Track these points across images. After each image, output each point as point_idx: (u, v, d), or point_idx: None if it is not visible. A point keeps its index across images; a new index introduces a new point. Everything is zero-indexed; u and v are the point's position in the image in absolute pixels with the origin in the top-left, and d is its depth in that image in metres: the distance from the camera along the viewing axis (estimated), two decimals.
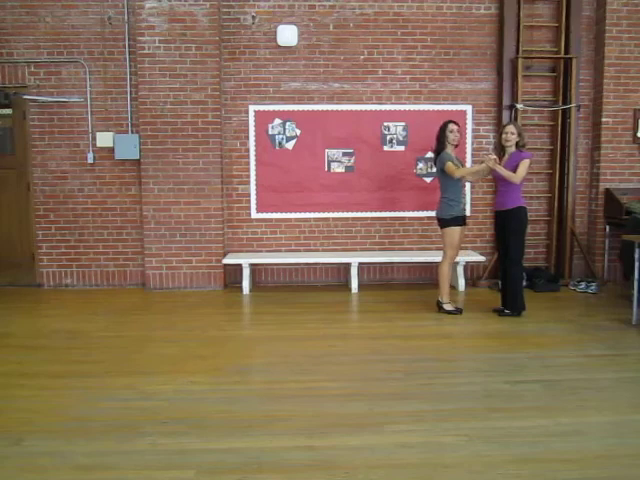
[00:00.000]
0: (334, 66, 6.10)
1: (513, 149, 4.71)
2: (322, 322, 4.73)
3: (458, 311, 4.94)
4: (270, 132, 6.14)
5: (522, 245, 4.76)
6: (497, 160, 4.62)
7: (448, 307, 4.95)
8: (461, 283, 5.93)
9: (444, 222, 4.85)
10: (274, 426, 2.77)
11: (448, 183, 4.81)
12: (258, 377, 3.58)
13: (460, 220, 4.84)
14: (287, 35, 5.96)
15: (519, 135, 4.69)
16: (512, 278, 4.77)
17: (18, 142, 6.11)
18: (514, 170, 4.60)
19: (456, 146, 4.93)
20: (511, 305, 4.82)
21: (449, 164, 4.71)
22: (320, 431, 2.71)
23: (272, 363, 3.75)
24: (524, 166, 4.60)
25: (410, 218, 6.32)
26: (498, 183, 4.84)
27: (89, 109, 6.02)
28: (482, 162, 4.75)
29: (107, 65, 6.02)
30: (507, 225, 4.72)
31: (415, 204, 6.28)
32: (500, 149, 4.84)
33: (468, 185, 6.25)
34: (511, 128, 4.71)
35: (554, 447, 2.54)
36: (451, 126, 4.84)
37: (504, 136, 4.72)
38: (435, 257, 6.04)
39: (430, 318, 4.88)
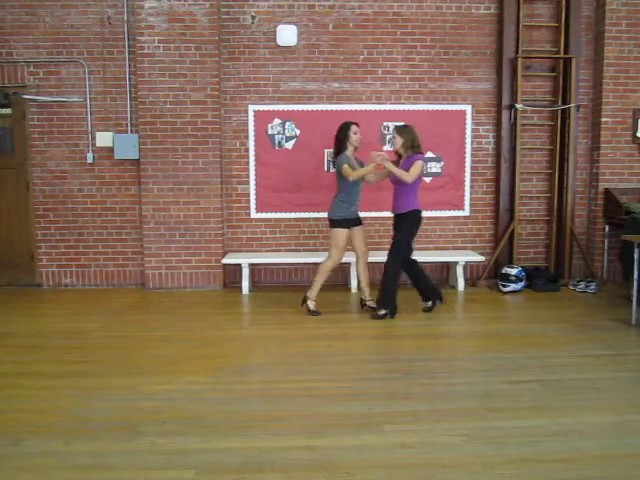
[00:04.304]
0: (334, 66, 6.09)
1: (408, 152, 4.67)
2: (321, 322, 4.72)
3: (317, 313, 4.87)
4: (270, 132, 6.14)
5: (406, 247, 4.73)
6: (386, 157, 4.62)
7: (311, 305, 4.90)
8: (461, 283, 5.93)
9: (332, 222, 4.83)
10: (273, 426, 2.78)
11: (344, 184, 4.77)
12: (257, 377, 3.58)
13: (350, 222, 4.81)
14: (287, 35, 5.96)
15: (406, 139, 4.65)
16: (387, 275, 4.72)
17: (17, 142, 6.10)
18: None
19: (356, 148, 4.87)
20: (380, 301, 4.76)
21: (345, 167, 4.67)
22: (319, 431, 2.71)
23: (271, 363, 3.75)
24: (415, 166, 4.58)
25: None
26: (394, 186, 4.79)
27: (88, 109, 6.02)
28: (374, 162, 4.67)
29: (107, 65, 6.02)
30: (401, 224, 4.73)
31: None
32: (398, 154, 4.82)
33: (467, 185, 6.26)
34: (393, 132, 4.75)
35: (553, 447, 2.54)
36: (354, 127, 4.80)
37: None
38: (434, 257, 6.06)
39: (430, 318, 4.88)
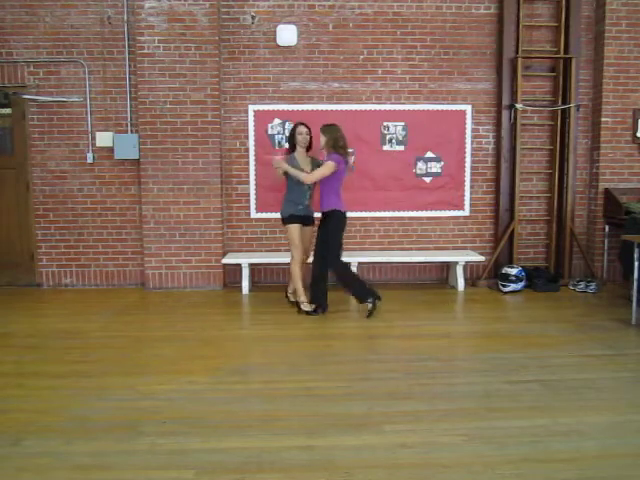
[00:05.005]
0: (334, 66, 6.09)
1: (330, 152, 4.70)
2: (321, 322, 4.72)
3: (316, 312, 4.89)
4: (270, 132, 6.14)
5: (338, 244, 4.77)
6: (281, 161, 4.71)
7: (306, 307, 4.91)
8: (461, 283, 5.93)
9: (282, 220, 4.94)
10: (273, 426, 2.78)
11: (290, 183, 4.87)
12: (257, 377, 3.58)
13: (297, 218, 4.86)
14: (287, 35, 5.96)
15: (329, 138, 4.68)
16: (337, 275, 4.78)
17: (17, 142, 6.10)
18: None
19: (308, 149, 4.94)
20: (357, 297, 4.81)
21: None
22: (319, 431, 2.71)
23: (271, 363, 3.75)
24: (323, 167, 4.66)
25: (409, 218, 6.32)
26: (319, 186, 4.85)
27: (88, 109, 6.02)
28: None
29: (107, 65, 6.02)
30: (326, 225, 4.77)
31: (414, 204, 6.28)
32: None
33: (467, 185, 6.26)
34: (320, 131, 4.80)
35: (553, 447, 2.54)
36: (299, 128, 4.87)
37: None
38: (434, 257, 6.06)
39: (429, 318, 4.88)
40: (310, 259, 5.06)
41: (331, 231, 4.76)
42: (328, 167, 4.64)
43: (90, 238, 6.17)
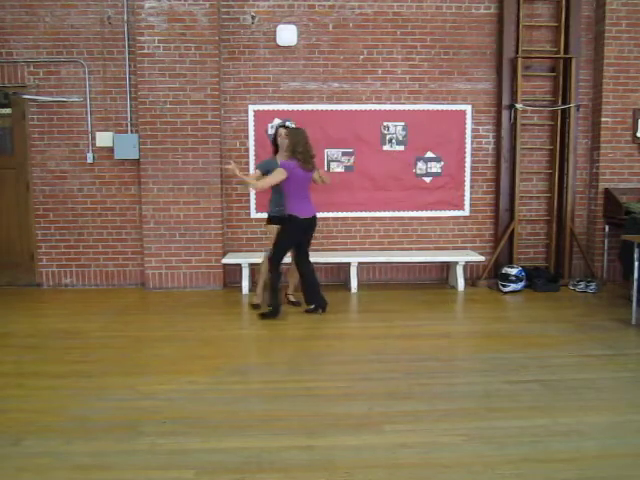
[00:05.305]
0: (333, 66, 6.09)
1: (289, 156, 4.67)
2: (321, 322, 4.72)
3: (257, 307, 5.09)
4: (270, 132, 6.12)
5: (280, 248, 4.75)
6: (233, 168, 4.68)
7: (253, 299, 5.20)
8: (461, 283, 5.93)
9: (267, 220, 5.15)
10: (273, 426, 2.78)
11: (273, 186, 4.88)
12: (257, 377, 3.58)
13: (279, 220, 4.94)
14: (287, 35, 5.96)
15: (290, 142, 4.64)
16: (269, 276, 4.83)
17: (17, 142, 6.10)
18: None
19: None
20: (270, 298, 4.84)
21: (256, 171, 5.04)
22: (319, 431, 2.71)
23: (271, 363, 3.75)
24: (272, 174, 4.62)
25: (409, 218, 6.31)
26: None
27: (88, 109, 6.01)
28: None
29: (107, 65, 6.02)
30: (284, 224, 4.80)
31: (414, 204, 6.27)
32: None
33: (467, 185, 6.26)
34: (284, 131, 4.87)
35: (553, 447, 2.54)
36: (280, 131, 4.94)
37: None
38: (434, 257, 6.06)
39: (429, 318, 4.88)
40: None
41: (281, 234, 4.77)
42: (277, 174, 4.60)
43: (90, 238, 6.17)
